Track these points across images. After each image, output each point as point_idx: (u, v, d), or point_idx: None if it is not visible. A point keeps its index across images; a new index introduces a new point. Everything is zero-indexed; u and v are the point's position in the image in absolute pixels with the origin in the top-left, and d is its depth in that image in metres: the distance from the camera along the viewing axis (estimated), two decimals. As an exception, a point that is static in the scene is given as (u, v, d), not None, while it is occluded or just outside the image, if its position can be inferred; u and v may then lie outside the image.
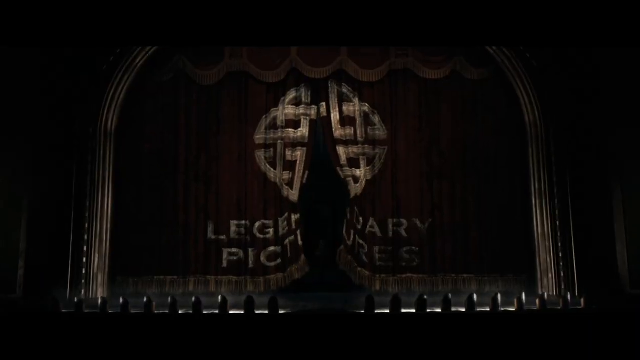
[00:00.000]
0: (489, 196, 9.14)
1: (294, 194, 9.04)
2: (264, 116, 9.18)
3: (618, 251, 8.13)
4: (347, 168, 9.07)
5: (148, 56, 8.97)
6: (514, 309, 6.94)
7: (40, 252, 7.98)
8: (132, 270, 8.92)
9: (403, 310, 6.45)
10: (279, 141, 9.11)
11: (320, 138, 9.35)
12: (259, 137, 9.16)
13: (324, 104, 9.18)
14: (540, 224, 8.93)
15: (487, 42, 8.60)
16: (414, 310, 6.50)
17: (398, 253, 8.98)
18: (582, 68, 8.46)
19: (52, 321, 5.48)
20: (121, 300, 6.94)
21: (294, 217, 8.98)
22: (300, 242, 8.94)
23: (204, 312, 6.63)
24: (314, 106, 9.20)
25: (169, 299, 6.99)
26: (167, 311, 6.75)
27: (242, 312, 6.42)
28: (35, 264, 7.94)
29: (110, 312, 6.79)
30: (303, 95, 9.21)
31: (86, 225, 8.56)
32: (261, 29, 6.48)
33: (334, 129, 9.12)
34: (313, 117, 9.18)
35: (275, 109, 9.19)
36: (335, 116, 9.15)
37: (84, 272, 8.47)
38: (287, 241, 8.94)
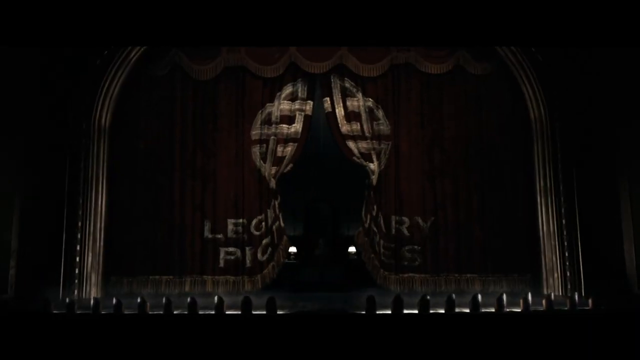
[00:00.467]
0: (492, 194, 8.97)
1: (273, 182, 8.92)
2: (260, 111, 9.02)
3: (625, 250, 7.95)
4: (363, 160, 8.98)
5: (143, 50, 8.76)
6: (519, 310, 6.75)
7: (32, 252, 7.80)
8: (127, 270, 8.74)
9: (405, 311, 6.26)
10: (272, 137, 8.98)
11: (320, 133, 9.23)
12: (255, 132, 9.02)
13: (327, 99, 9.04)
14: (546, 222, 8.74)
15: (488, 43, 8.42)
16: (416, 311, 6.31)
17: (400, 252, 8.83)
18: (588, 62, 8.25)
19: (42, 322, 5.30)
20: (114, 300, 6.75)
21: (276, 203, 8.92)
22: (282, 224, 8.93)
23: (200, 313, 6.44)
24: (309, 101, 9.04)
25: (164, 299, 6.80)
26: (161, 312, 6.57)
27: (239, 312, 6.23)
28: (27, 263, 7.77)
29: (102, 313, 6.60)
30: (299, 90, 9.05)
31: (79, 224, 8.36)
32: (260, 29, 6.34)
33: (340, 125, 8.99)
34: (308, 112, 9.03)
35: (270, 104, 9.03)
36: (340, 112, 9.02)
37: (77, 271, 8.27)
38: (274, 227, 8.89)
